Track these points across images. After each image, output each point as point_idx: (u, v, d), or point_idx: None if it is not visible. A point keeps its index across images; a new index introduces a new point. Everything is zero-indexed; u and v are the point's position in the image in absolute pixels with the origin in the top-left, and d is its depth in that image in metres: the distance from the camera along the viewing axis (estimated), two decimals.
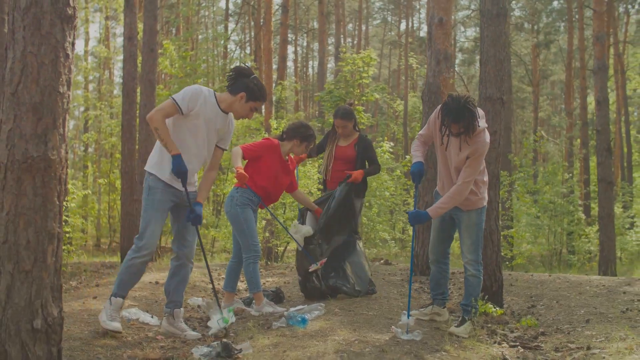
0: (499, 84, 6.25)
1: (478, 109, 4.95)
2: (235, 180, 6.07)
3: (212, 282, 5.43)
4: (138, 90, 12.34)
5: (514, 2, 33.38)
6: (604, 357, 4.55)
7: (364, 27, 46.21)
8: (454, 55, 44.81)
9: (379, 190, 17.29)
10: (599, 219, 15.03)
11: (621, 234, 21.27)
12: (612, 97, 34.80)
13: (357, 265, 6.48)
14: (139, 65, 12.71)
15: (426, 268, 8.37)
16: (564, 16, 32.53)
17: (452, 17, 9.88)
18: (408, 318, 5.11)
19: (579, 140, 27.29)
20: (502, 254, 14.36)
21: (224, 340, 4.65)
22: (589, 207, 23.71)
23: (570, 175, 20.72)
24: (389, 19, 51.58)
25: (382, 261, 11.31)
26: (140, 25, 13.74)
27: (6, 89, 2.66)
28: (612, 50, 29.93)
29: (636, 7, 31.31)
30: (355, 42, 42.66)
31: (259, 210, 6.33)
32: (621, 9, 32.88)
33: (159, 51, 17.37)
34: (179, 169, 4.72)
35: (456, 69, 46.36)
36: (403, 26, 45.80)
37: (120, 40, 42.87)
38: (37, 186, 2.70)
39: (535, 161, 32.97)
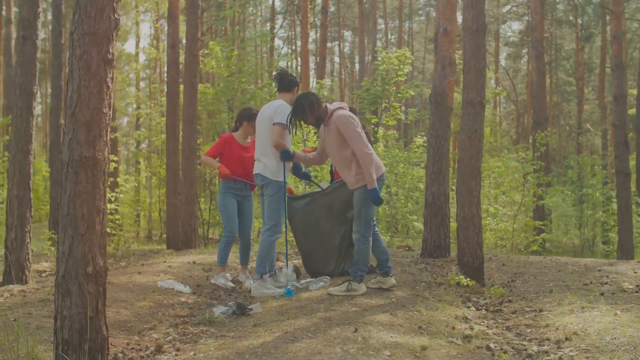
0: (479, 89, 7.13)
1: (338, 104, 6.10)
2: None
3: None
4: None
5: None
6: (548, 317, 5.53)
7: (407, 24, 46.87)
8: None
9: (409, 182, 18.02)
10: (618, 209, 15.63)
11: None
12: None
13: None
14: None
15: (433, 250, 9.30)
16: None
17: (457, 24, 10.70)
18: (287, 267, 6.97)
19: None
20: (518, 241, 15.18)
21: (238, 301, 5.80)
22: None
23: (602, 167, 21.17)
24: (433, 15, 51.92)
25: (406, 248, 12.40)
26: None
27: (67, 110, 3.82)
28: None
29: None
30: (396, 39, 43.41)
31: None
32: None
33: (206, 52, 18.56)
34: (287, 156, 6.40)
35: (501, 64, 46.32)
36: None
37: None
38: (88, 176, 3.82)
39: (579, 153, 33.38)
